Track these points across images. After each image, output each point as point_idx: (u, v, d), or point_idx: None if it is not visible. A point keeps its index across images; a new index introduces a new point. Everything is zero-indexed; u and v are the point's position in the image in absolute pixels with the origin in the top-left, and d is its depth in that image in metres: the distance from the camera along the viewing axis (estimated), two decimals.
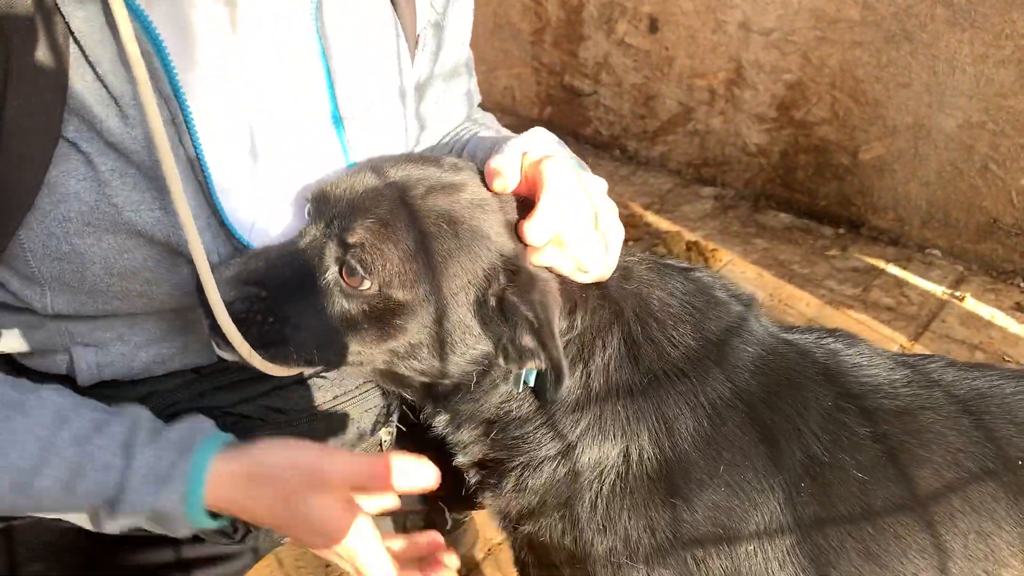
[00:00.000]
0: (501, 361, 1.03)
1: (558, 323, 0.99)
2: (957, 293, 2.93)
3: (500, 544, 2.09)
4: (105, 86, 0.94)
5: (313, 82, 1.11)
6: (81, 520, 1.00)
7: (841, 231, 3.32)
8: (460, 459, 1.19)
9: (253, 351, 0.98)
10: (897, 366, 1.08)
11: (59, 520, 1.22)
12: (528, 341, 0.99)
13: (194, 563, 1.32)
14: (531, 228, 0.98)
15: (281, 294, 0.99)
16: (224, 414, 1.22)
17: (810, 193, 3.40)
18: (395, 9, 1.21)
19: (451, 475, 1.20)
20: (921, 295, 2.95)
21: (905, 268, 3.08)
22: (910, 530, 1.00)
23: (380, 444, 1.36)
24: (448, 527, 1.96)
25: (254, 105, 1.07)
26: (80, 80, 0.93)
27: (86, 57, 0.92)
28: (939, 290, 2.96)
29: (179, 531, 1.00)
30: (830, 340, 1.13)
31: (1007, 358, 2.65)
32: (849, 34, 3.01)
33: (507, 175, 1.01)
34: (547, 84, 4.12)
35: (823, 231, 3.34)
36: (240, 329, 0.96)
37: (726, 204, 3.55)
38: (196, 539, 1.32)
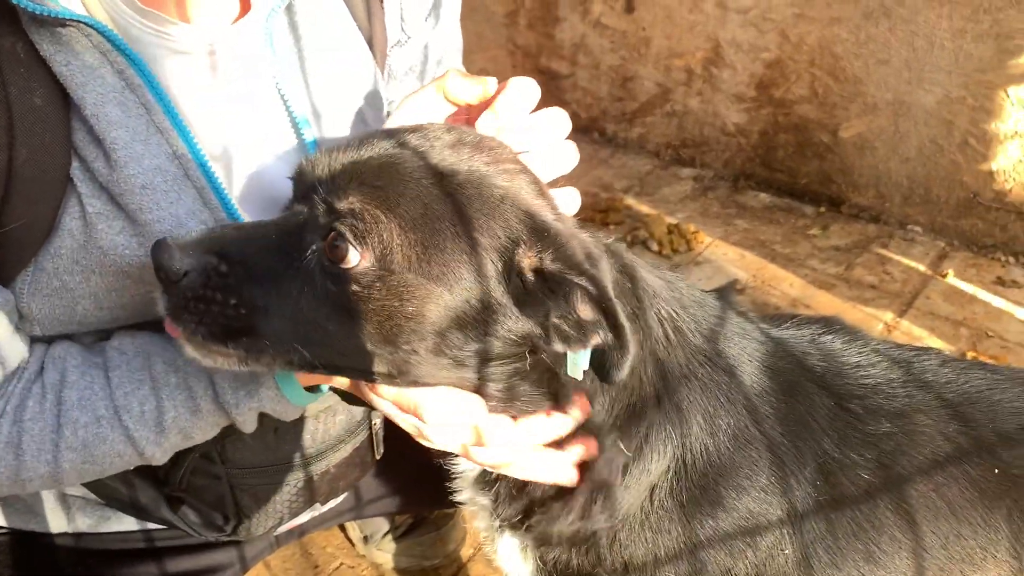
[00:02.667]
0: (556, 345, 0.84)
1: (612, 284, 0.82)
2: (939, 270, 2.93)
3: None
4: (90, 128, 0.92)
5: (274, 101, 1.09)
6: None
7: (822, 210, 3.31)
8: (484, 500, 1.06)
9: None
10: (893, 364, 1.06)
11: (41, 536, 1.20)
12: (587, 312, 0.82)
13: None
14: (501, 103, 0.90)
15: (247, 271, 0.82)
16: None
17: (790, 172, 3.38)
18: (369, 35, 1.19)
19: (432, 477, 1.17)
20: (904, 272, 2.94)
21: (887, 246, 3.07)
22: (904, 532, 1.00)
23: (370, 429, 1.34)
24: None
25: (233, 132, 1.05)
26: (75, 119, 0.92)
27: (71, 100, 0.91)
28: (922, 267, 2.96)
29: (289, 415, 1.06)
30: (828, 337, 1.10)
31: (990, 333, 2.66)
32: (827, 11, 2.98)
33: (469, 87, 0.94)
34: (523, 67, 4.06)
35: (804, 210, 3.32)
36: (195, 310, 0.82)
37: (706, 185, 3.53)
38: (180, 550, 1.29)
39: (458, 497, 1.11)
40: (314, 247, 0.82)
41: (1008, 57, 2.69)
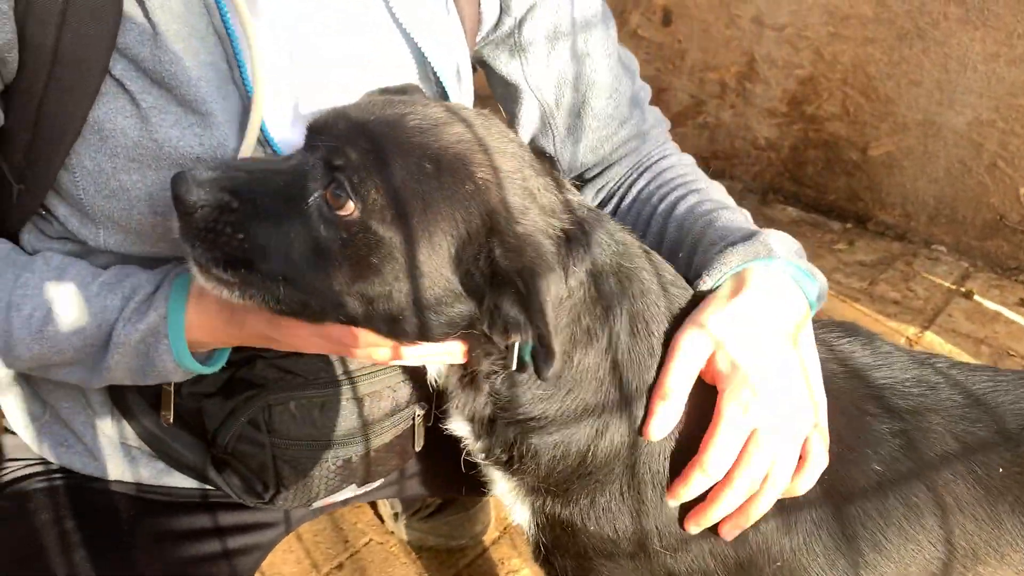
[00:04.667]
0: (485, 327, 0.94)
1: (553, 294, 0.90)
2: (963, 288, 2.97)
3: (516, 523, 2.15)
4: (152, 23, 0.99)
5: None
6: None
7: (849, 226, 3.36)
8: (482, 458, 1.13)
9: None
10: (909, 366, 1.13)
11: (99, 482, 1.27)
12: (512, 311, 0.91)
13: (230, 530, 1.36)
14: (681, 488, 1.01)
15: (254, 210, 0.92)
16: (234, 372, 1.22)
17: (818, 188, 3.44)
18: None
19: (455, 463, 1.20)
20: (927, 290, 2.99)
21: (911, 263, 3.12)
22: (911, 524, 1.06)
23: (413, 419, 1.39)
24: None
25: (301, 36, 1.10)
26: (129, 19, 0.98)
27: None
28: (945, 285, 3.00)
29: (169, 371, 1.08)
30: (846, 341, 1.16)
31: (1011, 352, 2.70)
32: (862, 31, 3.04)
33: (672, 407, 1.00)
34: None
35: (831, 225, 3.38)
36: (206, 240, 0.92)
37: (735, 197, 3.58)
38: (233, 506, 1.37)
39: (487, 482, 1.18)
40: (316, 194, 0.92)
41: None
